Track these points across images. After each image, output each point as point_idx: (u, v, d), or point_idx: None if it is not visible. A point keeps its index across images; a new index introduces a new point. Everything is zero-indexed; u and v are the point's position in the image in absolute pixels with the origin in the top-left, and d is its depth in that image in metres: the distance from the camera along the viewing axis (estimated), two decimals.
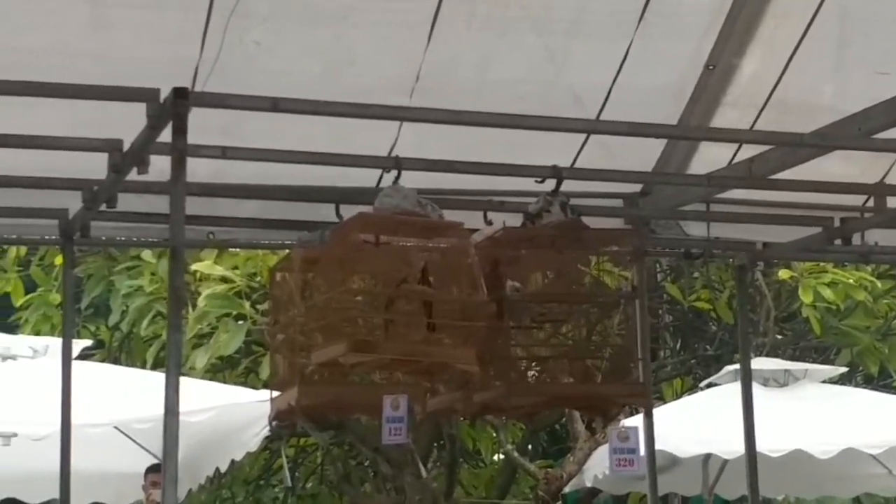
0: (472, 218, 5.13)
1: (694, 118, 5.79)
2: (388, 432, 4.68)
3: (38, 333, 12.11)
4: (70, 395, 5.71)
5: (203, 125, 4.87)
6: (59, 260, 11.65)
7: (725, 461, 10.20)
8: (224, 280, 11.40)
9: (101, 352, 13.11)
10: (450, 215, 4.90)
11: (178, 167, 4.12)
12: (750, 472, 6.54)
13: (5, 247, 13.21)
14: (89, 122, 4.90)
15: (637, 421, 6.35)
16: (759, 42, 5.61)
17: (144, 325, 11.98)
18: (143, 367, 11.79)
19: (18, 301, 13.21)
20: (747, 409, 6.57)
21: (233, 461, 9.58)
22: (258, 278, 11.21)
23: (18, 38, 4.88)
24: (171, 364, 4.07)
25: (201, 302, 11.26)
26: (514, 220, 5.16)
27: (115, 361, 12.46)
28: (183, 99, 4.17)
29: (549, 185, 5.12)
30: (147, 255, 12.08)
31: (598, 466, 10.80)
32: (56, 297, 12.28)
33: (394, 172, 4.85)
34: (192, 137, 4.49)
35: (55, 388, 5.76)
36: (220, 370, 12.23)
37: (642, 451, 5.63)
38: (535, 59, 5.45)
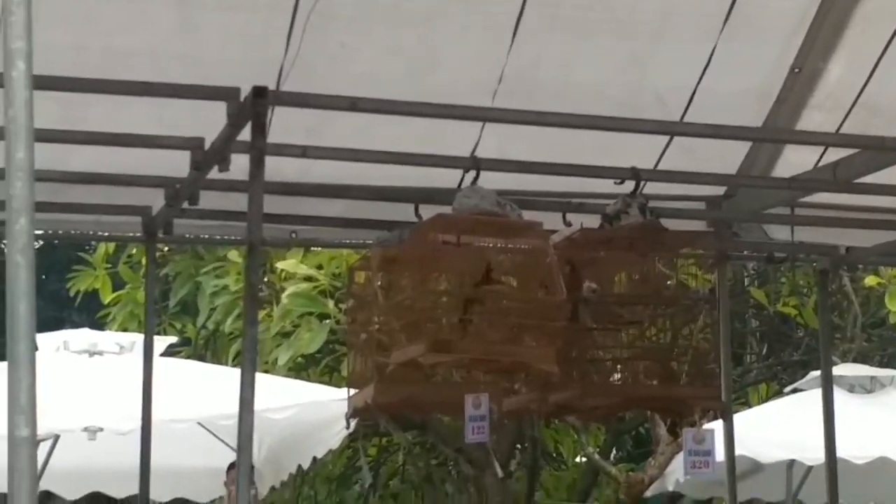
0: (552, 219, 5.13)
1: (779, 121, 5.75)
2: (471, 431, 4.71)
3: (124, 330, 12.26)
4: (151, 391, 5.78)
5: (289, 126, 4.94)
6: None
7: (809, 468, 10.06)
8: (308, 279, 11.46)
9: (187, 349, 13.24)
10: (529, 216, 4.89)
11: (257, 165, 4.15)
12: (829, 478, 6.47)
13: (94, 244, 13.41)
14: (175, 122, 4.94)
15: (719, 425, 6.30)
16: (846, 46, 5.56)
17: (229, 323, 12.09)
18: (227, 363, 11.89)
19: (107, 298, 13.38)
20: (828, 415, 6.50)
21: (315, 458, 9.63)
22: (342, 277, 11.26)
23: (109, 40, 4.93)
24: (247, 360, 4.10)
25: (284, 300, 11.34)
26: (593, 221, 5.15)
27: (201, 358, 12.57)
28: (262, 98, 4.20)
29: (632, 187, 5.11)
30: (233, 254, 12.18)
31: (679, 470, 10.69)
32: (143, 295, 12.40)
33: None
34: (278, 137, 4.52)
35: (140, 384, 5.82)
36: (304, 368, 12.31)
37: (720, 454, 5.59)
38: (618, 62, 5.44)
